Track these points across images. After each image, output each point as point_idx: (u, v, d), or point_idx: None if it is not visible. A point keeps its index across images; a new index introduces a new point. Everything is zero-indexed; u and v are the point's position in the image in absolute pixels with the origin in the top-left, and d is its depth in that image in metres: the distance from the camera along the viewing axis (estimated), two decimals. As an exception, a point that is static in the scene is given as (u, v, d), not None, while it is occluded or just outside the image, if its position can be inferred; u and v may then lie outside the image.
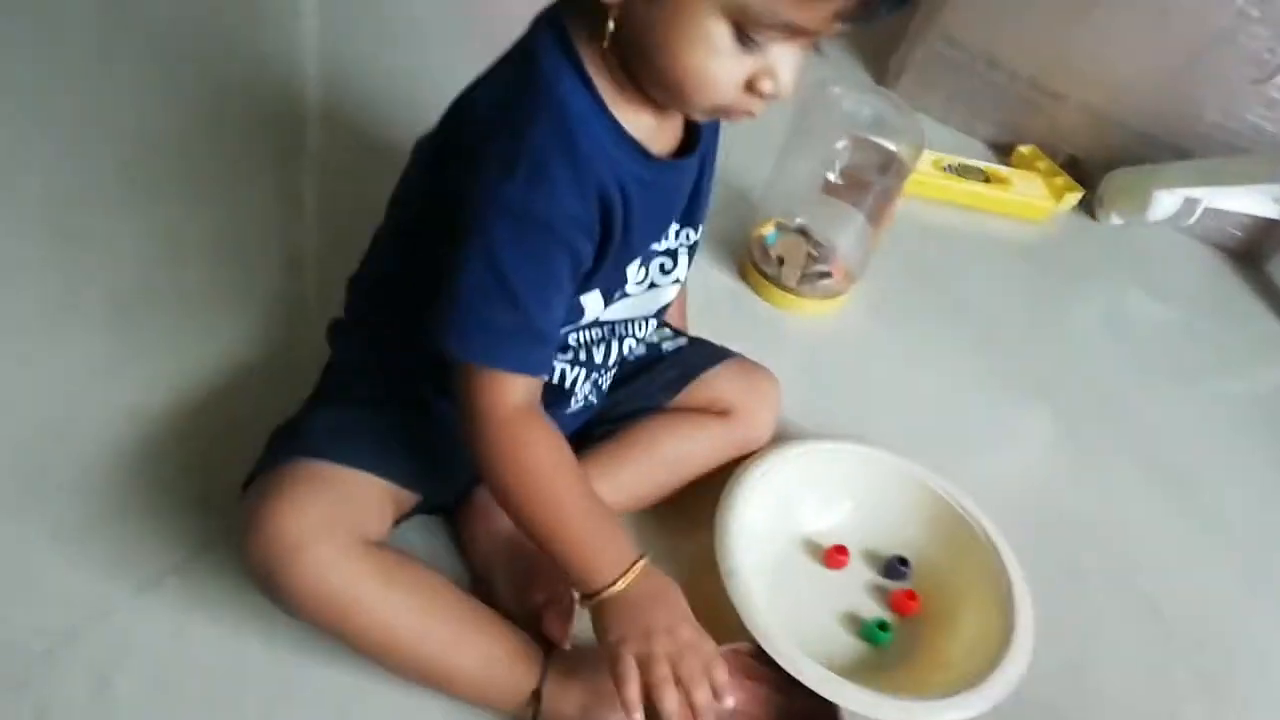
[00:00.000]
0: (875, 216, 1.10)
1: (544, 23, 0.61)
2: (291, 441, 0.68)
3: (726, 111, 0.60)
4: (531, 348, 0.62)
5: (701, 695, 0.60)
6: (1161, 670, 0.89)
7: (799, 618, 0.79)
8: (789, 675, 0.71)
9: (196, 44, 1.22)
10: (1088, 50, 1.42)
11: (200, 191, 1.03)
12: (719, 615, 0.73)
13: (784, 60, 0.57)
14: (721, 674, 0.62)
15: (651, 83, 0.60)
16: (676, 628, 0.63)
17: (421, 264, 0.64)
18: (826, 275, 1.14)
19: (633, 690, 0.60)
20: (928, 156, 1.41)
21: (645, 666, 0.61)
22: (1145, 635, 0.92)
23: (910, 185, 1.31)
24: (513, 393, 0.61)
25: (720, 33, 0.55)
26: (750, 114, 0.59)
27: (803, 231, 1.14)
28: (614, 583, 0.63)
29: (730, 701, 0.62)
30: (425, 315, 0.61)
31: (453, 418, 0.71)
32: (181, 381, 0.85)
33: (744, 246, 1.16)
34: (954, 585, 0.85)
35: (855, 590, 0.85)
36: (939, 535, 0.87)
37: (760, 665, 0.73)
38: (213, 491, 0.77)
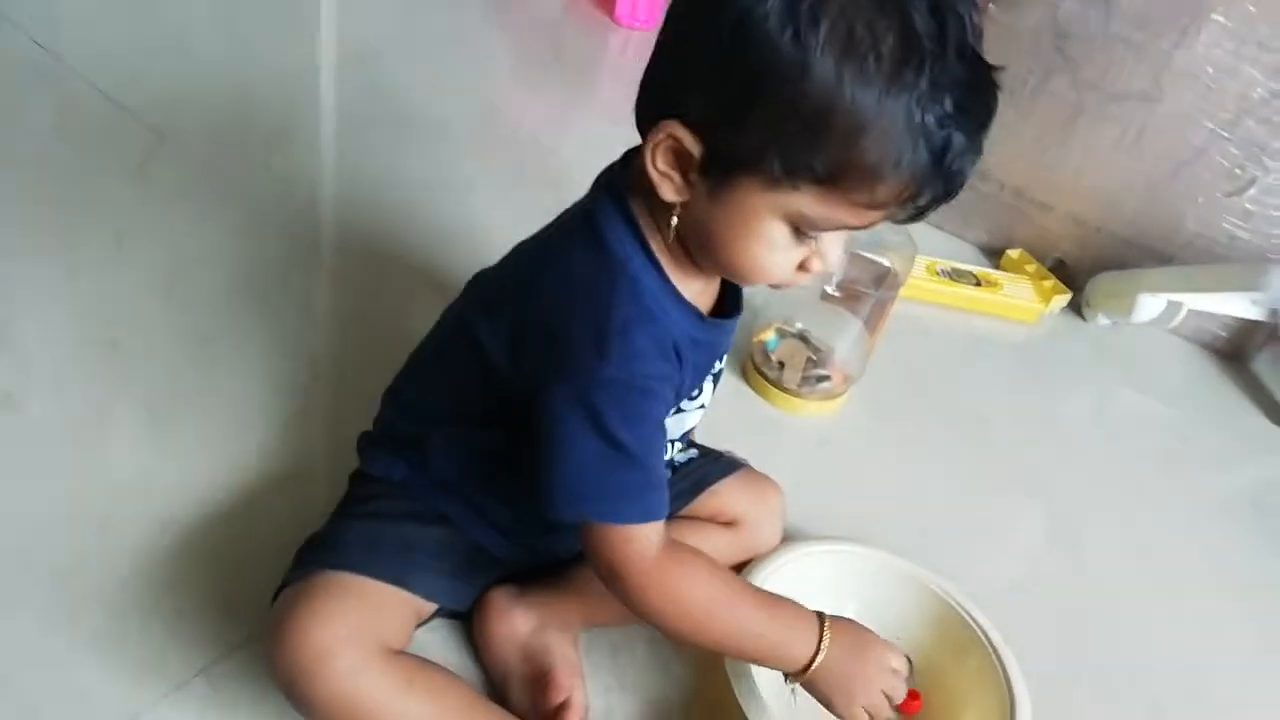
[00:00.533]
0: (872, 323, 1.15)
1: (606, 196, 0.66)
2: (320, 554, 0.70)
3: (777, 286, 0.66)
4: (656, 495, 0.66)
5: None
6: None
7: (810, 713, 0.81)
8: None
9: (229, 160, 1.28)
10: (1072, 165, 1.49)
11: (228, 303, 1.07)
12: (734, 712, 0.75)
13: (832, 242, 0.63)
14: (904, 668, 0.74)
15: (710, 264, 0.66)
16: (881, 666, 0.72)
17: (476, 407, 0.71)
18: (825, 378, 1.18)
19: None
20: (922, 261, 1.47)
21: (873, 713, 0.71)
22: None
23: (905, 289, 1.36)
24: (651, 539, 0.65)
25: (780, 232, 0.60)
26: (798, 285, 0.66)
27: (802, 337, 1.19)
28: (815, 656, 0.69)
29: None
30: (538, 490, 0.64)
31: (473, 533, 0.75)
32: (210, 488, 0.88)
33: (747, 351, 1.21)
34: (955, 685, 0.86)
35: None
36: (940, 635, 0.89)
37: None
38: (237, 595, 0.79)
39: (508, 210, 1.35)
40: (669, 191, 0.61)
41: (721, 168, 0.58)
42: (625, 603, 0.66)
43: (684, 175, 0.60)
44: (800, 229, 0.60)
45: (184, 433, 0.92)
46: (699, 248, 0.64)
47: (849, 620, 0.73)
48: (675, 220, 0.63)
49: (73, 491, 0.85)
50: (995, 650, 0.86)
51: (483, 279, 0.76)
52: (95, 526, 0.82)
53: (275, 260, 1.15)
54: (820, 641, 0.69)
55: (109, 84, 1.32)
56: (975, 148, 0.56)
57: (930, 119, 0.53)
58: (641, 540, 0.64)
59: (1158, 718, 0.95)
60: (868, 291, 1.11)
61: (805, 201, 0.58)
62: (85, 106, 1.28)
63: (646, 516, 0.65)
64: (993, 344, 1.45)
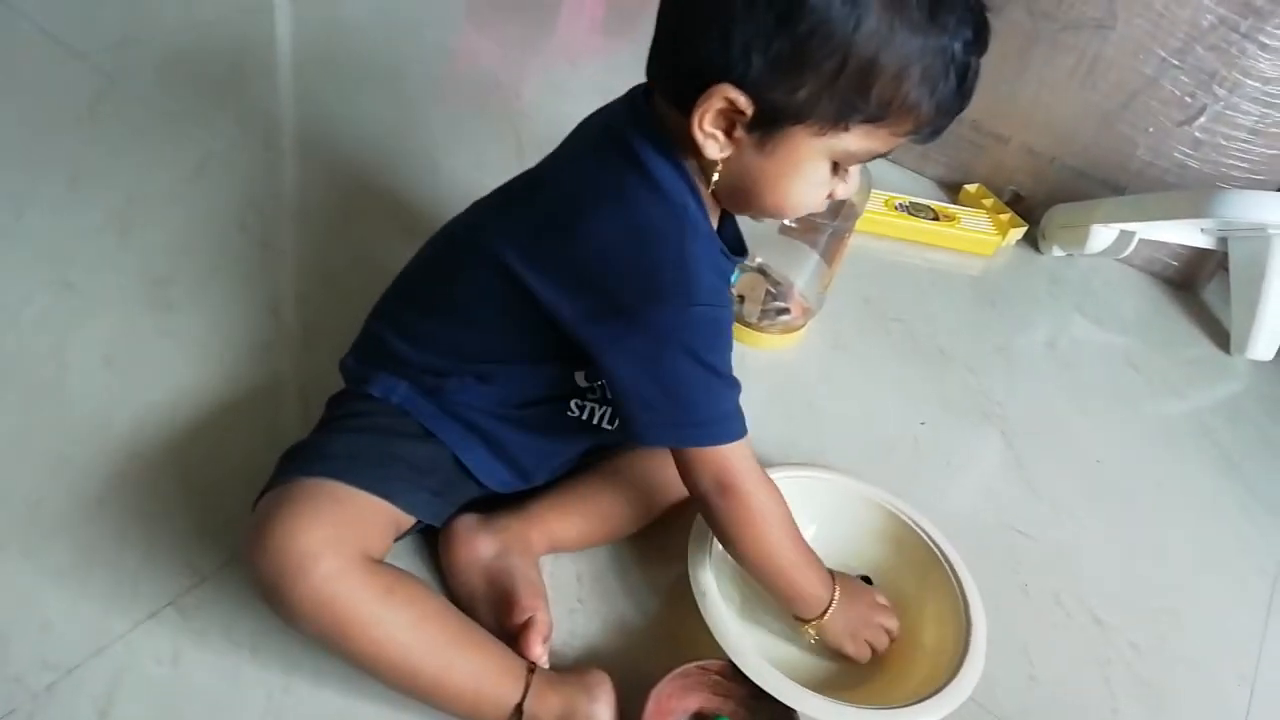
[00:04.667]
0: (829, 255, 1.17)
1: (646, 141, 0.67)
2: (304, 462, 0.71)
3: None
4: (742, 413, 0.72)
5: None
6: (1102, 675, 0.94)
7: (768, 635, 0.84)
8: (758, 689, 0.75)
9: (183, 102, 1.26)
10: (1027, 97, 1.51)
11: (185, 244, 1.06)
12: (694, 635, 0.78)
13: (855, 168, 0.68)
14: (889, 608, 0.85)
15: (746, 207, 0.71)
16: (870, 617, 0.82)
17: (521, 345, 0.74)
18: (785, 311, 1.19)
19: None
20: (880, 196, 1.48)
21: (875, 645, 0.82)
22: (1088, 642, 0.97)
23: (864, 223, 1.38)
24: (751, 453, 0.72)
25: (823, 171, 0.66)
26: (821, 210, 0.72)
27: (762, 270, 1.20)
28: (828, 608, 0.78)
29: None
30: (643, 425, 0.71)
31: (469, 458, 0.77)
32: (173, 422, 0.88)
33: (707, 285, 1.21)
34: (914, 601, 0.89)
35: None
36: (900, 554, 0.92)
37: (729, 682, 0.77)
38: (207, 524, 0.80)
39: (468, 149, 1.34)
40: (714, 149, 0.65)
41: (772, 121, 0.62)
42: (725, 517, 0.73)
43: (728, 132, 0.64)
44: (839, 164, 0.66)
45: (144, 370, 0.92)
46: (737, 194, 0.69)
47: (847, 578, 0.83)
48: (717, 175, 0.67)
49: (31, 427, 0.84)
50: (952, 567, 0.88)
51: (501, 213, 0.76)
52: (56, 462, 0.82)
53: (232, 201, 1.14)
54: (834, 591, 0.79)
55: (56, 26, 1.29)
56: (979, 67, 0.63)
57: (958, 50, 0.60)
58: (746, 454, 0.72)
59: (1101, 631, 0.99)
60: (824, 222, 1.12)
61: (851, 140, 0.63)
62: (32, 49, 1.26)
63: (744, 432, 0.72)
64: (950, 277, 1.47)
